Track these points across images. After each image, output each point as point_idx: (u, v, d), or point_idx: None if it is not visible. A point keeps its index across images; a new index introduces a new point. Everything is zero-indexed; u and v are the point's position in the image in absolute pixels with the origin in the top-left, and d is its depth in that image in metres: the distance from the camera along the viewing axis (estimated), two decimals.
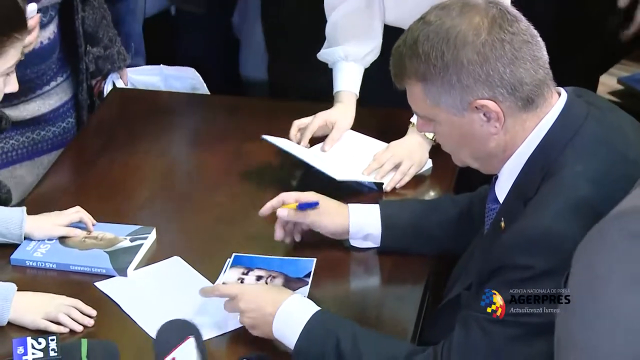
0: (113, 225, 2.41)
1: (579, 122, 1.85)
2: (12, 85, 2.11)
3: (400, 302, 2.23)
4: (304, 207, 2.29)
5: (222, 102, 3.11)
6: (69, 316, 2.09)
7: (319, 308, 2.01)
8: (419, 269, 2.30)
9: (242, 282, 2.23)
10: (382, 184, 2.57)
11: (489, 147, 1.87)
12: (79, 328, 2.09)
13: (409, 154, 2.61)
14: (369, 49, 2.82)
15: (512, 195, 1.88)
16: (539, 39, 1.85)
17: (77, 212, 2.40)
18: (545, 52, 1.85)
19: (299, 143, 2.70)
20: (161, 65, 3.24)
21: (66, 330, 2.07)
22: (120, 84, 3.11)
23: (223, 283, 2.20)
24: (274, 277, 2.25)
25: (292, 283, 2.22)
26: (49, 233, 2.35)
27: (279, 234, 2.32)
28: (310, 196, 2.32)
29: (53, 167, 2.72)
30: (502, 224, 1.87)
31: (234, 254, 2.31)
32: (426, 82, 1.84)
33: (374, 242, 2.32)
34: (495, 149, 1.87)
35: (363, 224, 2.30)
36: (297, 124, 2.72)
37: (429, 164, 2.62)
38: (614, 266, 1.07)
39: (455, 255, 2.24)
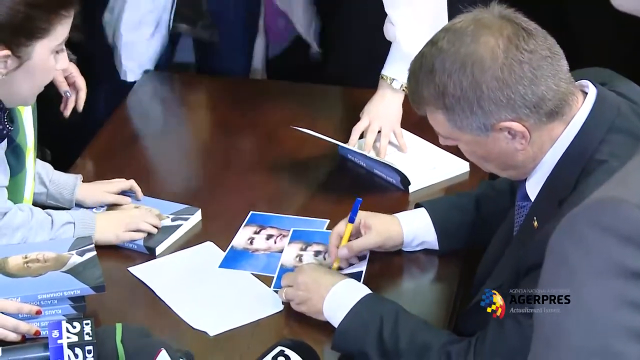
0: (160, 200, 2.43)
1: (611, 117, 1.81)
2: (63, 62, 2.12)
3: (431, 300, 2.21)
4: (354, 217, 2.21)
5: (256, 86, 3.09)
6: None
7: (370, 291, 2.00)
8: (451, 265, 2.26)
9: (300, 258, 2.25)
10: (409, 182, 2.48)
11: (516, 161, 1.85)
12: (155, 230, 2.30)
13: (386, 115, 2.59)
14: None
15: (544, 194, 1.85)
16: (557, 48, 1.80)
17: (127, 181, 2.44)
18: (565, 62, 1.81)
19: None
20: None
21: (143, 235, 2.28)
22: None
23: (281, 265, 2.21)
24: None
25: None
26: (99, 200, 2.40)
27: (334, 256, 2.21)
28: (361, 218, 2.22)
29: (86, 150, 2.72)
30: (535, 223, 1.85)
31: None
32: (446, 111, 1.81)
33: (431, 247, 2.26)
34: (523, 162, 1.85)
35: (416, 233, 2.24)
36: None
37: (466, 167, 2.54)
38: (582, 258, 1.08)
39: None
